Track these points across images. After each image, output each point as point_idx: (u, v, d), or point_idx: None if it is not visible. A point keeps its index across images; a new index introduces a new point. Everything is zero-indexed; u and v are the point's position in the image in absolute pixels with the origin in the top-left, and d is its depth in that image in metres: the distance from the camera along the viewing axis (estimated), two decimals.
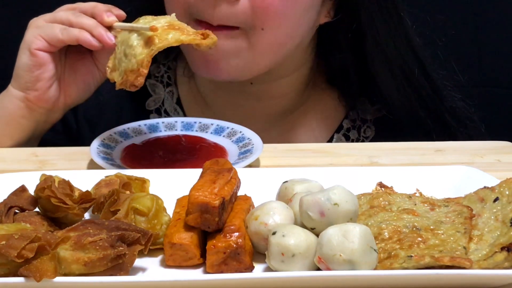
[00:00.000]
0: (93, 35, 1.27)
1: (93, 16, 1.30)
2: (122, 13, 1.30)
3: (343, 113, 1.57)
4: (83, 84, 1.38)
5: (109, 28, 1.28)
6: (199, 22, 1.38)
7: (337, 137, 1.56)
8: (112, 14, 1.28)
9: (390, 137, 1.40)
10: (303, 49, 1.50)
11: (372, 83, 1.50)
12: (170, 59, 1.61)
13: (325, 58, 1.54)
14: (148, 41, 1.19)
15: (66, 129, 1.56)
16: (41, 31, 1.31)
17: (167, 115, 1.58)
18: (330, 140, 1.55)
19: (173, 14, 1.24)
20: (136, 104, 1.58)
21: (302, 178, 1.09)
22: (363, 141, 1.56)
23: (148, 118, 1.55)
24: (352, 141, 1.56)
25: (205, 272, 0.98)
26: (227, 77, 1.43)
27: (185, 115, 1.58)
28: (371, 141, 1.56)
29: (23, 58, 1.33)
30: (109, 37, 1.26)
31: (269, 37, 1.38)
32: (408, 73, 1.48)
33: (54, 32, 1.30)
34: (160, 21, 1.22)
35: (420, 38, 1.50)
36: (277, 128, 1.55)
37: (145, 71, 1.18)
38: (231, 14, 1.35)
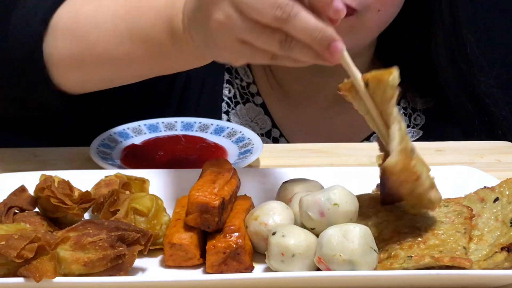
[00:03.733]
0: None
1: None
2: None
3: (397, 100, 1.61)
4: None
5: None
6: None
7: None
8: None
9: (439, 127, 1.53)
10: None
11: (426, 72, 1.53)
12: None
13: (386, 40, 1.56)
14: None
15: None
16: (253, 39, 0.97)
17: (238, 74, 1.57)
18: None
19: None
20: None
21: (302, 178, 1.09)
22: (413, 127, 1.58)
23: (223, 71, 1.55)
24: None
25: (205, 272, 0.98)
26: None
27: (253, 76, 1.57)
28: (421, 129, 1.58)
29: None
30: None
31: (382, 16, 1.40)
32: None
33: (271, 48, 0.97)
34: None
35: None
36: (339, 106, 1.57)
37: None
38: None
